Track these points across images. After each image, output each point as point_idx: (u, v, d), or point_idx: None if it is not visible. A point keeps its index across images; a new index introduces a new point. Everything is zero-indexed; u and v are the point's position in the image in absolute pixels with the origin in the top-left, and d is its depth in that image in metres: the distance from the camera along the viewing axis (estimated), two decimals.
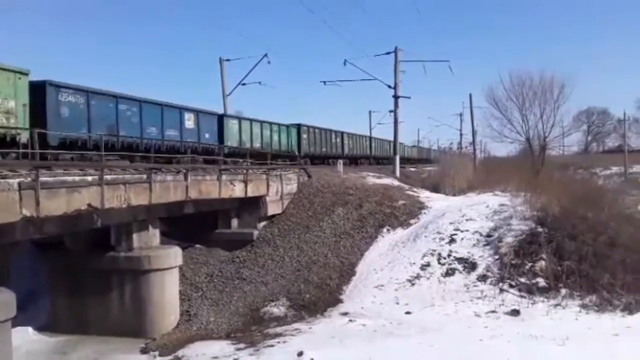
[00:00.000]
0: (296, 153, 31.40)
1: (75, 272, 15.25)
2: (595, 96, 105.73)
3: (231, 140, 24.82)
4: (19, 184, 10.04)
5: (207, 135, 22.73)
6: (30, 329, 14.89)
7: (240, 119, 27.20)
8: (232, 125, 25.44)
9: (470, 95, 45.59)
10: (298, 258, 18.60)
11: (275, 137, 29.45)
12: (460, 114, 65.28)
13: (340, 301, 16.03)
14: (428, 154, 72.49)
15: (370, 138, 51.03)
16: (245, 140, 26.15)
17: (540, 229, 16.63)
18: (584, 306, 13.78)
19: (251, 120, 27.62)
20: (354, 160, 41.92)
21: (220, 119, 24.82)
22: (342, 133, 41.00)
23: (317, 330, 13.47)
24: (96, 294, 15.05)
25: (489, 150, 64.46)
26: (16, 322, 11.71)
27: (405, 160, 52.39)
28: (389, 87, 34.60)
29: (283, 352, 11.60)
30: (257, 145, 26.94)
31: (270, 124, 29.24)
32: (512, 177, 25.25)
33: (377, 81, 35.00)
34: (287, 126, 31.41)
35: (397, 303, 15.17)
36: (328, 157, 36.93)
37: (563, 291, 14.41)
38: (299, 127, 32.95)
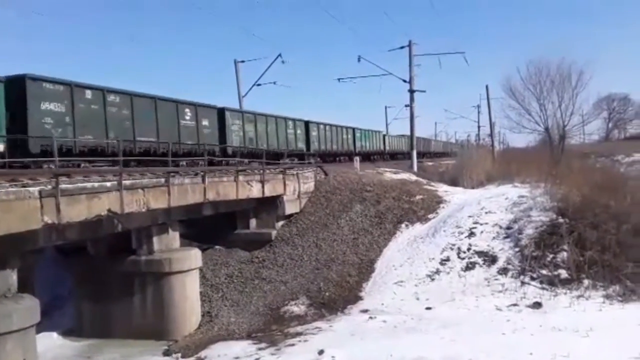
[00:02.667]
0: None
1: (98, 277, 15.46)
2: (616, 82, 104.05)
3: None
4: (40, 191, 10.22)
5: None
6: (55, 334, 15.17)
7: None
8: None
9: (487, 87, 44.96)
10: (317, 256, 18.63)
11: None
12: (478, 106, 64.92)
13: (360, 298, 16.02)
14: (446, 147, 71.93)
15: (384, 133, 50.00)
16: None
17: (561, 220, 16.40)
18: (607, 297, 13.57)
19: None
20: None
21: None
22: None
23: (337, 328, 13.49)
24: (119, 298, 15.25)
25: (508, 142, 63.97)
26: (41, 327, 11.95)
27: (422, 155, 51.62)
28: (404, 81, 34.48)
29: (304, 351, 11.65)
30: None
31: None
32: (532, 167, 24.93)
33: (392, 76, 34.93)
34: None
35: (418, 299, 15.11)
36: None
37: (586, 282, 14.21)
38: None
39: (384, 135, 48.38)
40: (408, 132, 39.18)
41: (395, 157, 48.31)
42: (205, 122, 21.02)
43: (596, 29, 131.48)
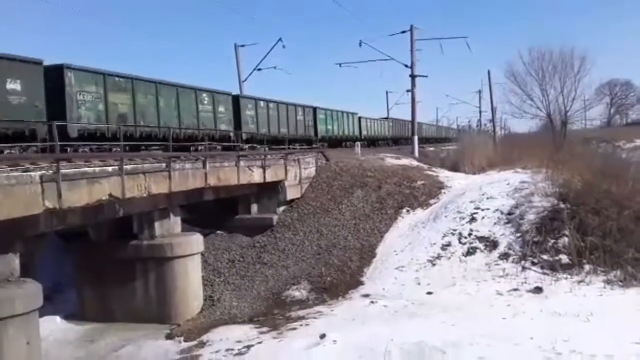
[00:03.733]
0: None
1: (100, 262, 15.48)
2: (618, 68, 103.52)
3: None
4: (41, 177, 10.19)
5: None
6: (58, 319, 15.21)
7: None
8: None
9: (489, 72, 45.18)
10: (318, 242, 18.66)
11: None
12: (480, 91, 64.73)
13: (362, 283, 16.08)
14: (447, 133, 71.74)
15: (360, 116, 43.71)
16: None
17: (562, 205, 16.40)
18: (608, 282, 13.59)
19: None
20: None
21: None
22: (315, 109, 39.76)
23: (339, 312, 13.54)
24: (121, 283, 15.29)
25: (510, 127, 63.81)
26: (44, 312, 11.98)
27: (424, 141, 51.04)
28: (406, 66, 34.26)
29: (306, 335, 11.69)
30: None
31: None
32: (533, 153, 24.89)
33: (394, 61, 34.69)
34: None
35: (419, 284, 15.15)
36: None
37: (587, 267, 14.23)
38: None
39: (359, 118, 41.41)
40: (409, 118, 39.05)
41: (375, 144, 43.17)
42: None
43: (600, 15, 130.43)
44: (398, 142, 47.75)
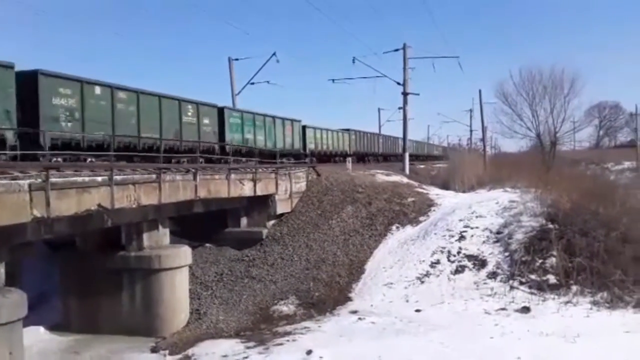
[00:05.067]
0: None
1: (87, 272, 15.35)
2: (607, 90, 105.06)
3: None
4: (30, 185, 10.12)
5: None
6: (42, 329, 15.03)
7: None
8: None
9: (480, 91, 45.45)
10: (307, 256, 18.62)
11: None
12: (470, 110, 65.16)
13: (350, 299, 16.04)
14: (438, 151, 72.05)
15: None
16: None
17: (550, 225, 16.52)
18: (595, 303, 13.67)
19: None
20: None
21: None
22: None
23: (326, 328, 13.49)
24: (107, 294, 15.14)
25: (500, 146, 64.25)
26: (28, 321, 11.83)
27: (414, 158, 50.45)
28: (398, 84, 34.55)
29: (292, 351, 11.64)
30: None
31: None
32: (523, 173, 25.09)
33: (386, 78, 34.99)
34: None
35: (407, 301, 15.15)
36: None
37: (574, 288, 14.32)
38: (304, 127, 31.34)
39: (304, 127, 31.23)
40: (400, 134, 39.21)
41: (332, 159, 34.89)
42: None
43: (589, 39, 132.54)
44: (363, 158, 40.56)
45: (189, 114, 19.83)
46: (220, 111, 22.37)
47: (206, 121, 20.95)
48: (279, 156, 25.07)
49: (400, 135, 40.12)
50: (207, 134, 20.91)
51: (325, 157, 24.92)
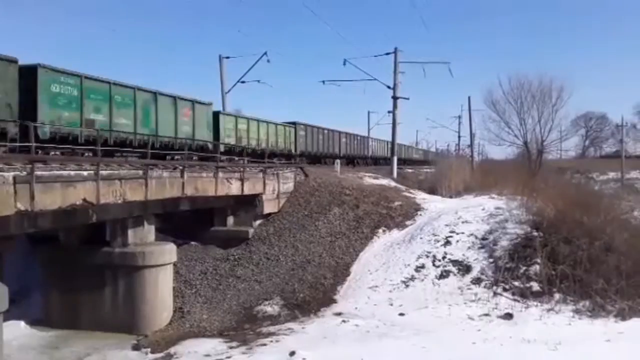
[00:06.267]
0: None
1: (69, 267, 15.18)
2: (593, 101, 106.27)
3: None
4: (14, 177, 9.99)
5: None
6: (22, 323, 14.85)
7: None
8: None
9: (469, 98, 45.70)
10: (293, 257, 18.57)
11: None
12: (459, 117, 65.63)
13: (334, 301, 16.01)
14: (426, 156, 72.27)
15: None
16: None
17: (535, 233, 16.65)
18: (577, 311, 13.79)
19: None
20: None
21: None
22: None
23: (310, 330, 13.46)
24: (89, 289, 15.00)
25: (487, 153, 64.70)
26: (8, 316, 11.71)
27: (402, 162, 50.26)
28: (388, 87, 34.56)
29: (275, 352, 11.60)
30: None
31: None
32: (509, 180, 25.26)
33: (377, 81, 35.00)
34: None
35: (391, 304, 15.16)
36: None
37: (557, 296, 14.43)
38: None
39: (216, 113, 23.55)
40: (389, 138, 39.29)
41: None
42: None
43: (577, 50, 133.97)
44: (320, 160, 35.26)
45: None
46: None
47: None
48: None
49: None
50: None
51: (255, 156, 22.99)
